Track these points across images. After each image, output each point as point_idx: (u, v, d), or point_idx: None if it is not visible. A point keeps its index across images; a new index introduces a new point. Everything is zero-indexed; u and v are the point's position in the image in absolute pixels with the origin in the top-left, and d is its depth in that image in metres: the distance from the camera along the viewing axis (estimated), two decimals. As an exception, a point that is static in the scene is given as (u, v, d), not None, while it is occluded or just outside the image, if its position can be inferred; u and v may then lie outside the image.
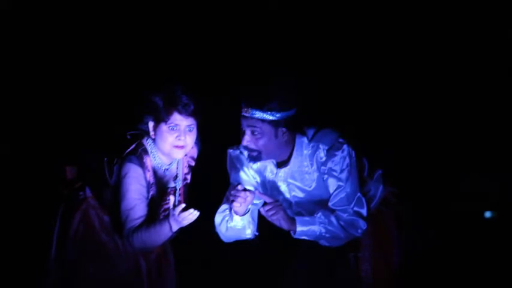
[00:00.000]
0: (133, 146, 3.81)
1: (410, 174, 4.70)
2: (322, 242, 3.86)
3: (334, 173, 3.82)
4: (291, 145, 3.86)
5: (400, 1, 5.15)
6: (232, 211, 3.80)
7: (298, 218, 3.80)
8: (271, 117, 3.69)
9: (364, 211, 3.84)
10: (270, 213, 3.74)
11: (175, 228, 3.64)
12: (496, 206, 4.84)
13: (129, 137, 3.86)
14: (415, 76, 5.13)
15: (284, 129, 3.76)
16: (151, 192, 3.82)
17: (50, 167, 4.29)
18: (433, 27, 5.09)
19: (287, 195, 3.97)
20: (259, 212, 3.88)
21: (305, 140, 3.87)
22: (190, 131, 3.77)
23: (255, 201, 3.85)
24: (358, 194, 3.85)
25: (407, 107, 5.13)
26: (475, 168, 4.96)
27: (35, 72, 4.95)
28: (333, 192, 3.84)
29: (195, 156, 4.00)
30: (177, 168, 3.93)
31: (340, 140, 3.85)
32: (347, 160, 3.82)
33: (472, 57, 5.08)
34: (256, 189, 3.91)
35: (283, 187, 3.95)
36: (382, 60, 5.17)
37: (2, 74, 4.88)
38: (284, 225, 3.76)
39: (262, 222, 3.91)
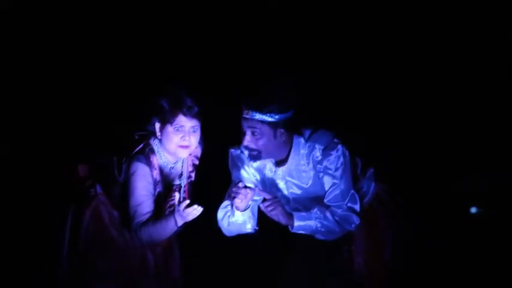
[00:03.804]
0: (140, 146, 4.31)
1: (407, 173, 5.09)
2: (318, 236, 4.33)
3: (329, 171, 4.31)
4: (289, 145, 4.34)
5: (399, 1, 5.48)
6: (234, 207, 4.25)
7: (295, 214, 4.28)
8: (270, 119, 4.18)
9: (357, 207, 4.32)
10: (269, 208, 4.22)
11: (180, 223, 4.12)
12: (490, 205, 5.21)
13: (136, 137, 4.36)
14: (413, 76, 5.46)
15: (282, 130, 4.23)
16: (157, 189, 4.31)
17: (59, 167, 4.61)
18: (432, 27, 5.42)
19: (285, 192, 4.45)
20: (259, 207, 4.34)
21: (302, 140, 4.35)
22: (194, 131, 4.27)
23: (255, 198, 4.28)
24: (352, 191, 4.33)
25: (406, 107, 5.46)
26: (471, 168, 5.30)
27: (39, 74, 5.28)
28: (328, 189, 4.33)
29: (199, 155, 4.50)
30: (182, 166, 4.44)
31: (335, 140, 4.32)
32: (341, 159, 4.30)
33: (472, 57, 5.39)
34: (256, 186, 4.36)
35: (281, 184, 4.43)
36: (380, 61, 5.52)
37: (11, 74, 5.22)
38: (282, 220, 4.24)
39: (261, 217, 4.35)
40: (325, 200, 4.38)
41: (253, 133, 4.26)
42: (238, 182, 4.25)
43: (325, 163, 4.35)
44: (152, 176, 4.31)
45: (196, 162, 4.53)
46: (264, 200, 4.32)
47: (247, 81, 4.28)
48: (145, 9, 5.50)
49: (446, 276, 4.69)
